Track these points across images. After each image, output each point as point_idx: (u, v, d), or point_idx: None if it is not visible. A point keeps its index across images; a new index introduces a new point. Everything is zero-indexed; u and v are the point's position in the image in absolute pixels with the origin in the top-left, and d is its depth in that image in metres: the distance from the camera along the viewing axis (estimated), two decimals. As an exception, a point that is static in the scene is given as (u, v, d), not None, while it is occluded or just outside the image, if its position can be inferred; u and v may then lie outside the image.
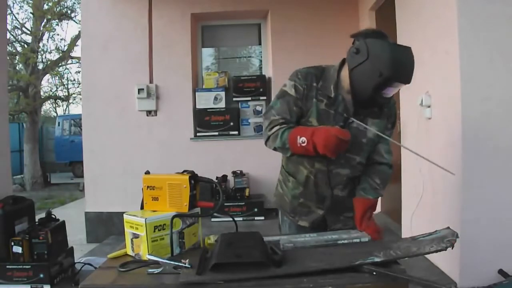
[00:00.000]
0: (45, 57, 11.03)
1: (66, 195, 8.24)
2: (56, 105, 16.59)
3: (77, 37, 10.29)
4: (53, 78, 13.11)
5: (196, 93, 4.62)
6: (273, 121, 1.54)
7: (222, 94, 4.62)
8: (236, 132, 4.57)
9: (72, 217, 4.33)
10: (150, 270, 1.20)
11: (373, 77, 1.37)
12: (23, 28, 10.55)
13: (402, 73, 1.37)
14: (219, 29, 5.01)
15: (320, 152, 1.39)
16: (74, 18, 10.78)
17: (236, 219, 1.54)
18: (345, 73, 1.50)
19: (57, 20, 10.62)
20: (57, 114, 16.30)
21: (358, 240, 1.40)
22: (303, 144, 1.41)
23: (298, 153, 1.47)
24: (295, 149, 1.46)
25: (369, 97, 1.42)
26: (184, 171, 1.42)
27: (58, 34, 11.48)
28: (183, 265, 1.18)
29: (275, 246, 1.28)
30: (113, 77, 4.49)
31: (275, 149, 1.54)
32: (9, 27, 9.55)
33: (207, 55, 5.11)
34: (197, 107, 4.59)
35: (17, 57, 10.25)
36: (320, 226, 1.65)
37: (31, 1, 10.22)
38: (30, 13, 10.36)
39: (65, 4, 10.59)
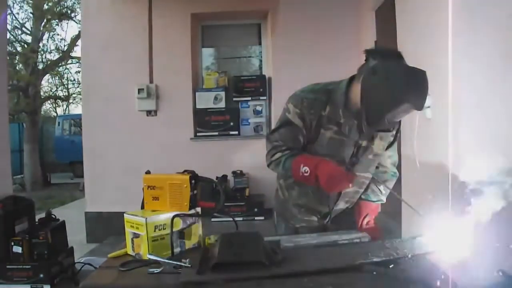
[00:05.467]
0: (45, 57, 11.04)
1: (66, 195, 8.23)
2: (56, 105, 16.57)
3: (77, 37, 10.28)
4: (53, 78, 13.13)
5: (196, 93, 4.62)
6: (275, 146, 1.51)
7: (222, 94, 4.61)
8: (236, 132, 4.57)
9: (72, 217, 4.31)
10: (150, 270, 1.20)
11: (387, 101, 1.29)
12: (23, 28, 10.56)
13: (417, 99, 1.31)
14: (219, 29, 5.00)
15: (321, 186, 1.38)
16: (74, 18, 10.77)
17: (236, 219, 1.54)
18: (354, 93, 1.41)
19: (57, 20, 10.61)
20: (57, 114, 16.27)
21: (358, 240, 1.41)
22: (305, 174, 1.39)
23: (300, 180, 1.45)
24: (297, 177, 1.44)
25: (379, 119, 1.35)
26: (185, 171, 1.42)
27: (58, 34, 11.47)
28: (184, 264, 1.18)
29: (275, 246, 1.28)
30: (113, 77, 4.49)
31: (277, 173, 1.54)
32: (9, 27, 9.55)
33: (207, 55, 5.10)
34: (197, 107, 4.59)
35: (17, 57, 10.24)
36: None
37: (31, 1, 10.22)
38: (30, 13, 10.37)
39: (65, 4, 10.59)
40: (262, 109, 4.65)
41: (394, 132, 1.58)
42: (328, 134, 1.46)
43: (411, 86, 1.28)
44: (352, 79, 1.45)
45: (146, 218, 1.30)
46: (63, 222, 1.88)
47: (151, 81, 4.54)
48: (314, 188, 1.53)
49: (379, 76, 1.30)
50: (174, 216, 1.33)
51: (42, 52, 10.73)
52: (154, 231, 1.30)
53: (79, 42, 8.93)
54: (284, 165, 1.47)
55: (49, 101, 14.36)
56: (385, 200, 1.63)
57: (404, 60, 1.35)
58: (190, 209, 1.37)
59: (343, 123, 1.45)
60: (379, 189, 1.60)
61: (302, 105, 1.45)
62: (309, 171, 1.38)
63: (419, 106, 1.32)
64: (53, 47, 11.10)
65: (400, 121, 1.59)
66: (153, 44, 4.53)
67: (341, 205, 1.59)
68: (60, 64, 11.62)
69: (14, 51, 10.17)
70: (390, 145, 1.58)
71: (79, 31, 8.48)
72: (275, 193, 1.74)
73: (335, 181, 1.35)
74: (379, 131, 1.47)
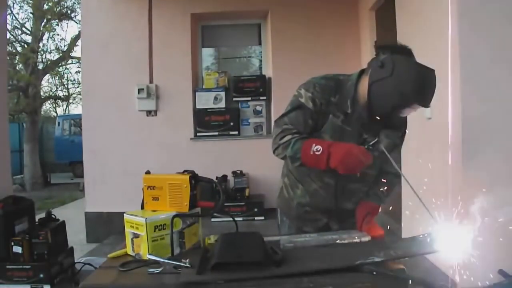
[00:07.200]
0: (45, 57, 11.03)
1: (66, 195, 8.23)
2: (56, 105, 16.57)
3: (77, 37, 10.28)
4: (53, 78, 13.10)
5: (196, 93, 4.62)
6: (285, 130, 1.48)
7: (222, 94, 4.62)
8: (236, 132, 4.57)
9: (72, 217, 4.33)
10: (150, 270, 1.20)
11: (393, 96, 1.30)
12: (23, 28, 10.56)
13: (423, 96, 1.31)
14: (219, 29, 5.01)
15: (331, 165, 1.35)
16: (74, 18, 10.78)
17: (236, 219, 1.54)
18: (362, 86, 1.42)
19: (57, 20, 10.61)
20: (57, 114, 16.26)
21: (358, 240, 1.40)
22: (317, 153, 1.36)
23: (308, 162, 1.41)
24: (306, 157, 1.40)
25: (385, 114, 1.36)
26: (185, 171, 1.42)
27: (58, 34, 11.47)
28: (183, 265, 1.18)
29: (275, 246, 1.28)
30: (113, 77, 4.49)
31: (283, 157, 1.50)
32: (9, 27, 9.55)
33: (207, 55, 5.11)
34: (197, 107, 4.59)
35: (17, 57, 10.24)
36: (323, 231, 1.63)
37: (31, 1, 10.22)
38: (30, 13, 10.37)
39: (65, 4, 10.59)
40: (262, 109, 4.65)
41: (400, 134, 1.58)
42: (335, 122, 1.46)
43: (418, 82, 1.28)
44: (362, 72, 1.46)
45: (146, 218, 1.29)
46: (63, 222, 1.88)
47: (151, 81, 4.54)
48: (318, 186, 1.53)
49: (387, 69, 1.31)
50: (174, 216, 1.33)
51: (42, 52, 10.72)
52: (154, 231, 1.30)
53: (79, 42, 8.93)
54: (293, 146, 1.43)
55: (49, 101, 14.36)
56: (385, 202, 1.63)
57: (414, 57, 1.35)
58: (190, 209, 1.37)
59: (350, 114, 1.45)
60: (381, 190, 1.60)
61: (314, 89, 1.47)
62: (321, 149, 1.36)
63: (425, 103, 1.32)
64: (53, 47, 11.10)
65: (406, 123, 1.59)
66: (153, 44, 4.53)
67: (347, 205, 1.58)
68: (60, 64, 11.61)
69: (14, 51, 10.17)
70: (395, 146, 1.57)
71: (79, 31, 8.48)
72: (279, 192, 1.73)
73: (352, 158, 1.31)
74: (385, 128, 1.46)
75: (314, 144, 1.38)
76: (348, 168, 1.34)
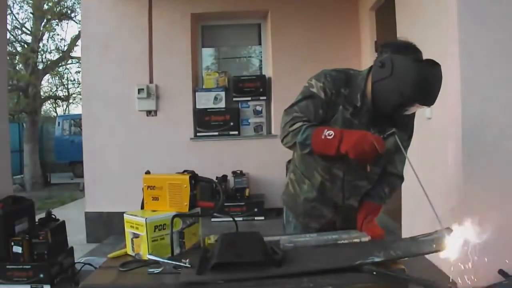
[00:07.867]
0: (45, 57, 11.04)
1: (66, 195, 8.23)
2: (56, 105, 16.58)
3: (77, 37, 10.29)
4: (53, 78, 13.11)
5: (196, 93, 4.62)
6: (296, 117, 1.46)
7: (222, 94, 4.62)
8: (236, 132, 4.57)
9: (72, 217, 4.33)
10: (150, 270, 1.20)
11: (393, 96, 1.31)
12: (23, 28, 10.57)
13: (425, 95, 1.30)
14: (219, 29, 5.01)
15: (342, 149, 1.32)
16: (74, 18, 10.78)
17: (236, 219, 1.53)
18: (369, 83, 1.44)
19: (57, 20, 10.62)
20: (57, 114, 16.26)
21: (358, 240, 1.40)
22: (329, 137, 1.33)
23: (317, 148, 1.38)
24: (317, 142, 1.37)
25: (387, 113, 1.38)
26: (185, 171, 1.42)
27: (58, 34, 11.49)
28: (183, 265, 1.18)
29: (275, 246, 1.28)
30: (113, 77, 4.49)
31: (292, 145, 1.47)
32: (9, 27, 9.55)
33: (207, 55, 5.11)
34: (197, 107, 4.60)
35: (17, 57, 10.25)
36: (329, 229, 1.62)
37: (31, 1, 10.22)
38: (30, 13, 10.38)
39: (65, 4, 10.60)
40: (262, 109, 4.65)
41: (407, 137, 1.57)
42: (344, 114, 1.46)
43: (419, 81, 1.27)
44: (371, 69, 1.46)
45: (146, 218, 1.29)
46: (63, 222, 1.89)
47: (151, 81, 4.54)
48: (325, 179, 1.53)
49: (387, 69, 1.31)
50: (174, 216, 1.33)
51: (42, 52, 10.73)
52: (154, 231, 1.30)
53: (79, 42, 8.94)
54: (303, 132, 1.41)
55: (49, 101, 14.38)
56: (387, 203, 1.63)
57: (418, 54, 1.34)
58: (190, 209, 1.37)
59: (359, 107, 1.45)
60: (384, 192, 1.60)
61: (326, 79, 1.46)
62: (333, 134, 1.33)
63: (428, 102, 1.32)
64: (53, 47, 11.11)
65: (413, 125, 1.59)
66: (153, 44, 4.53)
67: (352, 202, 1.58)
68: (60, 64, 11.63)
69: (14, 51, 10.17)
70: (400, 151, 1.57)
71: (79, 31, 8.48)
72: (285, 188, 1.72)
73: (367, 143, 1.28)
74: (391, 126, 1.46)
75: (326, 130, 1.36)
76: (360, 152, 1.30)
